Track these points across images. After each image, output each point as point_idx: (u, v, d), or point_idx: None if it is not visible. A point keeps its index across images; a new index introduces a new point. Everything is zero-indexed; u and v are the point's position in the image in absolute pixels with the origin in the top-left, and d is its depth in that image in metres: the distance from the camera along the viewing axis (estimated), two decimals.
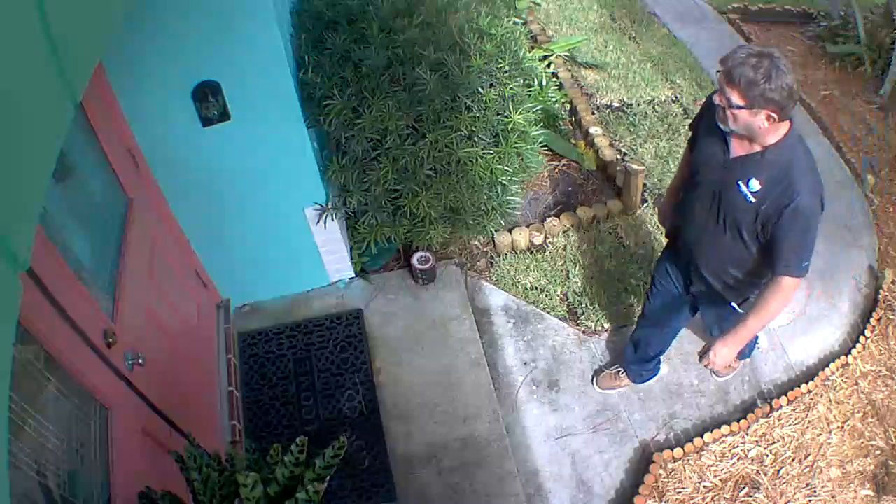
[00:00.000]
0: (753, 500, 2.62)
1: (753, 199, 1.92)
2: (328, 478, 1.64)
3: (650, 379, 2.93)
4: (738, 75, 1.74)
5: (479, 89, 2.57)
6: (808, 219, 1.88)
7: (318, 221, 2.83)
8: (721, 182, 2.00)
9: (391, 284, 3.26)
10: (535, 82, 3.67)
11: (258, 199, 2.70)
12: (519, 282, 3.29)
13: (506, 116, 2.67)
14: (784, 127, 1.85)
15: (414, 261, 3.15)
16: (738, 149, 1.94)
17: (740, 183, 1.93)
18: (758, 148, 1.89)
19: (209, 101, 2.27)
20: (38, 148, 0.87)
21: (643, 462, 2.73)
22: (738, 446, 2.75)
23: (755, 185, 1.91)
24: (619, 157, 3.85)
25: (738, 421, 2.81)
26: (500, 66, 2.66)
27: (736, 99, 1.77)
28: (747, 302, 2.23)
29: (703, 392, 2.96)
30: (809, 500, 2.63)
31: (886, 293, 3.28)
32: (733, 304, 2.27)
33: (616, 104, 4.29)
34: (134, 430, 1.82)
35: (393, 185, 2.62)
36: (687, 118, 4.17)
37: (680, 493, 2.62)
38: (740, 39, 5.08)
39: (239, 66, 2.22)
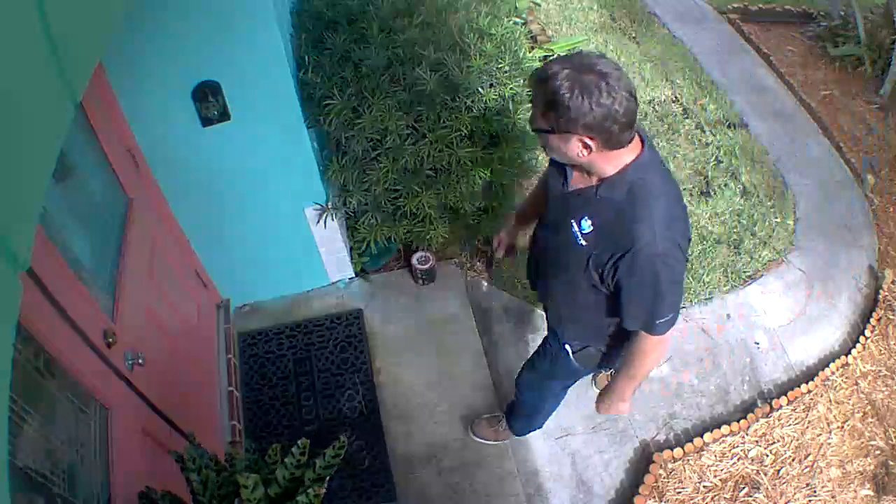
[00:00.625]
0: (753, 500, 2.62)
1: (584, 243, 1.60)
2: (328, 478, 1.64)
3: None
4: (540, 92, 1.41)
5: (479, 89, 2.57)
6: (654, 272, 1.51)
7: (318, 221, 2.83)
8: (557, 219, 1.69)
9: (391, 284, 3.26)
10: None
11: (258, 199, 2.70)
12: (519, 282, 3.29)
13: (506, 116, 2.67)
14: (624, 155, 1.49)
15: (414, 261, 3.15)
16: (576, 180, 1.62)
17: (573, 222, 1.61)
18: (594, 181, 1.56)
19: (209, 101, 2.27)
20: (38, 148, 0.87)
21: (643, 462, 2.73)
22: (738, 446, 2.75)
23: (587, 225, 1.58)
24: None
25: (738, 421, 2.81)
26: (500, 66, 2.66)
27: (539, 121, 1.46)
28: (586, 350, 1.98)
29: (703, 392, 2.96)
30: (809, 500, 2.63)
31: (886, 293, 3.28)
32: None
33: None
34: (134, 430, 1.82)
35: (393, 185, 2.62)
36: (687, 118, 4.18)
37: (680, 493, 2.62)
38: (740, 39, 5.08)
39: (239, 66, 2.22)
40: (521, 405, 2.48)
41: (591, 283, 1.65)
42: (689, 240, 1.67)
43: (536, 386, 2.33)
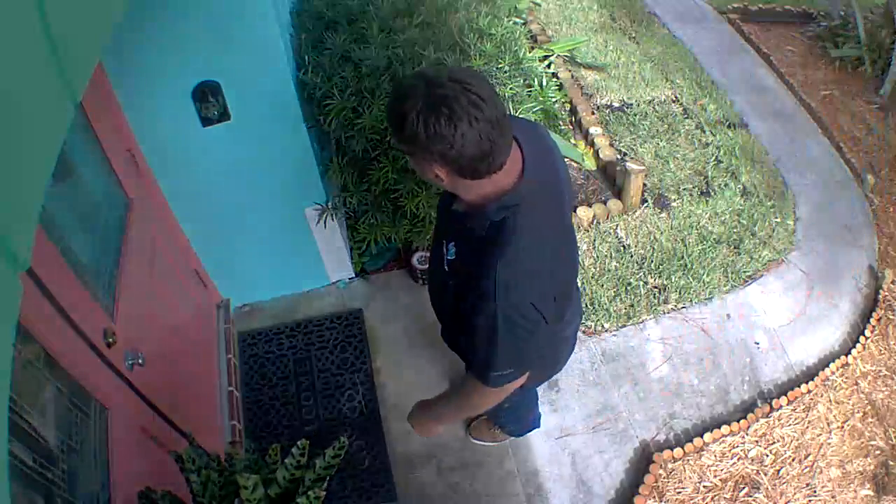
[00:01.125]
0: (753, 500, 2.62)
1: (447, 269, 1.45)
2: (328, 478, 1.64)
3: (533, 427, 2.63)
4: (390, 110, 1.21)
5: None
6: (492, 326, 1.32)
7: (318, 221, 2.83)
8: (438, 234, 1.56)
9: (391, 284, 3.26)
10: (535, 82, 3.67)
11: (258, 199, 2.70)
12: None
13: None
14: (487, 186, 1.28)
15: (414, 261, 3.15)
16: (460, 200, 1.40)
17: (444, 242, 1.46)
18: (465, 206, 1.37)
19: (209, 101, 2.27)
20: (38, 148, 0.87)
21: (643, 462, 2.73)
22: (738, 446, 2.75)
23: (452, 251, 1.43)
24: (618, 157, 3.85)
25: (738, 421, 2.81)
26: (500, 66, 2.66)
27: (394, 138, 1.28)
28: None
29: (703, 392, 2.96)
30: (809, 500, 2.63)
31: (886, 293, 3.28)
32: None
33: (616, 104, 4.29)
34: (134, 430, 1.82)
35: (393, 184, 2.62)
36: (687, 118, 4.18)
37: (680, 493, 2.62)
38: (740, 39, 5.08)
39: (239, 66, 2.22)
40: (498, 411, 2.32)
41: (455, 309, 1.49)
42: (565, 293, 1.49)
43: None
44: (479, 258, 1.31)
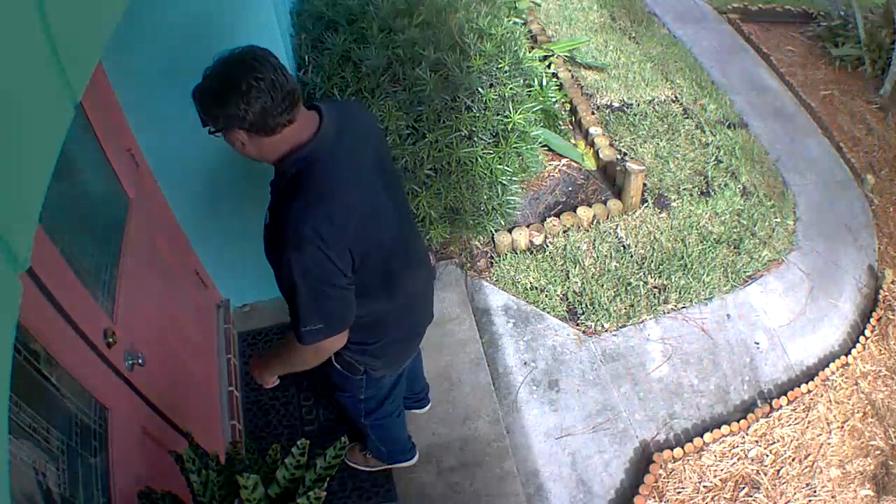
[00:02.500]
0: (753, 500, 2.62)
1: (264, 235, 1.54)
2: (329, 479, 1.64)
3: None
4: (197, 99, 1.42)
5: (479, 89, 2.57)
6: (289, 274, 1.41)
7: None
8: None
9: None
10: (535, 82, 3.68)
11: (258, 198, 2.69)
12: (519, 282, 3.29)
13: (506, 116, 2.67)
14: (281, 144, 1.44)
15: None
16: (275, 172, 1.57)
17: (267, 211, 1.56)
18: (275, 172, 1.54)
19: None
20: (38, 148, 0.87)
21: (643, 462, 2.73)
22: (738, 446, 2.75)
23: (267, 217, 1.54)
24: (618, 157, 3.85)
25: (738, 421, 2.81)
26: (500, 66, 2.66)
27: (208, 127, 1.45)
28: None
29: (703, 392, 2.96)
30: (809, 500, 2.63)
31: (886, 293, 3.28)
32: None
33: (616, 104, 4.29)
34: (134, 430, 1.82)
35: None
36: (687, 118, 4.18)
37: (680, 493, 2.62)
38: (740, 39, 5.09)
39: None
40: (368, 437, 2.32)
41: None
42: (382, 259, 1.55)
43: (351, 411, 2.16)
44: (278, 212, 1.45)
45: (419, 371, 2.59)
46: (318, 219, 1.40)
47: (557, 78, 4.34)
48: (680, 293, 3.24)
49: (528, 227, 3.47)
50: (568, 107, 4.22)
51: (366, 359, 1.83)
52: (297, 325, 1.50)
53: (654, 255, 3.38)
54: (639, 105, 4.26)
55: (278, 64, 1.38)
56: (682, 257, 3.37)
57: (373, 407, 2.11)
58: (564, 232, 3.49)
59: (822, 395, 2.92)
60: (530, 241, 3.44)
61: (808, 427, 2.82)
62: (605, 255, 3.39)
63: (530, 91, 3.34)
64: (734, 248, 3.45)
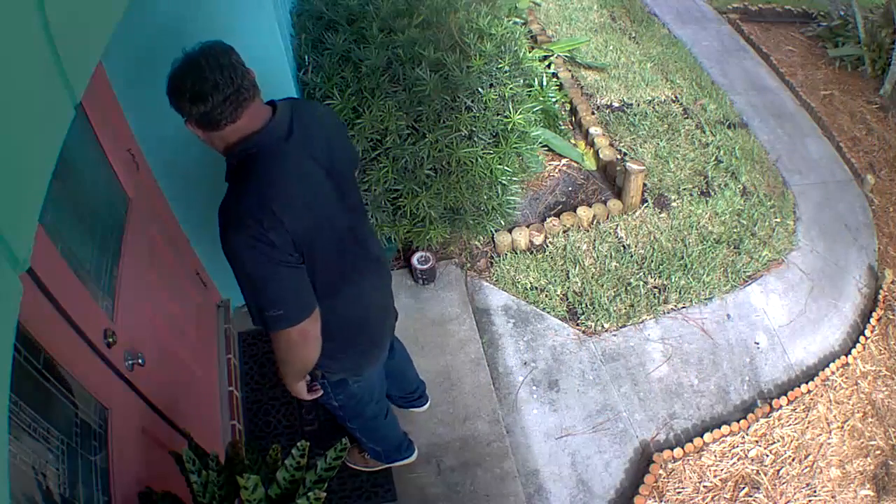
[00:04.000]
0: (753, 500, 2.62)
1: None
2: (329, 479, 1.64)
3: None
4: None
5: (479, 89, 2.57)
6: (236, 256, 1.45)
7: None
8: None
9: None
10: (535, 82, 3.68)
11: None
12: (519, 282, 3.29)
13: (506, 116, 2.67)
14: (229, 135, 1.49)
15: (414, 261, 3.15)
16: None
17: None
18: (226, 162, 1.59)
19: None
20: (38, 148, 0.87)
21: (643, 462, 2.73)
22: (738, 446, 2.75)
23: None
24: (619, 157, 3.85)
25: (738, 421, 2.81)
26: (500, 66, 2.66)
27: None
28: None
29: (703, 392, 2.96)
30: (809, 500, 2.63)
31: (886, 293, 3.28)
32: None
33: (616, 104, 4.29)
34: (134, 430, 1.82)
35: (393, 185, 2.62)
36: (687, 118, 4.18)
37: (680, 493, 2.62)
38: (740, 39, 5.09)
39: None
40: (359, 439, 2.31)
41: None
42: (320, 237, 1.55)
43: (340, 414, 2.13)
44: (223, 201, 1.49)
45: (409, 373, 2.57)
46: (257, 204, 1.44)
47: (557, 78, 4.34)
48: (680, 293, 3.24)
49: (528, 227, 3.47)
50: (568, 107, 4.22)
51: (324, 359, 1.79)
52: (258, 313, 1.53)
53: (654, 255, 3.38)
54: (639, 105, 4.26)
55: (230, 63, 1.44)
56: (682, 257, 3.37)
57: (352, 413, 2.10)
58: (564, 232, 3.49)
59: (822, 395, 2.92)
60: (530, 241, 3.44)
61: (808, 427, 2.82)
62: (605, 255, 3.39)
63: (530, 91, 3.34)
64: (734, 248, 3.45)
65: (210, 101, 1.42)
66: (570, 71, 4.49)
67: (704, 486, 2.65)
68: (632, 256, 3.39)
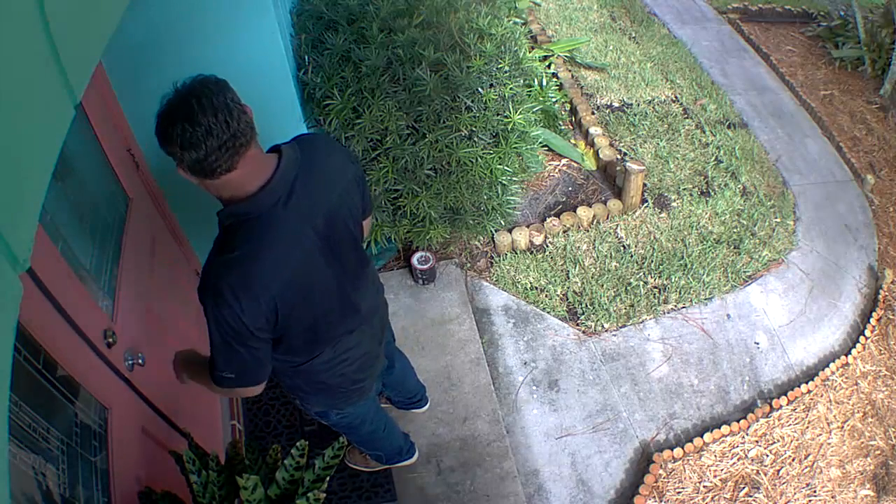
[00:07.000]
0: (753, 500, 2.62)
1: None
2: (328, 479, 1.64)
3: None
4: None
5: (479, 89, 2.57)
6: (205, 311, 1.41)
7: None
8: None
9: (391, 284, 3.25)
10: (535, 82, 3.68)
11: None
12: (519, 282, 3.29)
13: (506, 116, 2.67)
14: (222, 189, 1.39)
15: (414, 261, 3.15)
16: None
17: None
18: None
19: None
20: (38, 148, 0.87)
21: (643, 462, 2.73)
22: (738, 446, 2.75)
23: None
24: (619, 157, 3.85)
25: (738, 421, 2.81)
26: (500, 66, 2.66)
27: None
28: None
29: (703, 392, 2.96)
30: (809, 500, 2.63)
31: (886, 293, 3.28)
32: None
33: (616, 104, 4.29)
34: (134, 430, 1.82)
35: (393, 185, 2.62)
36: (687, 118, 4.18)
37: (680, 493, 2.62)
38: (740, 39, 5.09)
39: (239, 66, 2.21)
40: (350, 438, 2.24)
41: None
42: (312, 327, 1.50)
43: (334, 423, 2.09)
44: (209, 256, 1.40)
45: (410, 381, 2.57)
46: (238, 280, 1.35)
47: (557, 78, 4.34)
48: (680, 293, 3.24)
49: (528, 227, 3.47)
50: (568, 107, 4.22)
51: (299, 393, 1.80)
52: (212, 366, 1.49)
53: (654, 255, 3.38)
54: (639, 105, 4.26)
55: (224, 104, 1.29)
56: (682, 257, 3.37)
57: (346, 431, 2.09)
58: (564, 232, 3.49)
59: (822, 395, 2.92)
60: (530, 241, 3.44)
61: (808, 427, 2.82)
62: (605, 255, 3.39)
63: (530, 91, 3.34)
64: (734, 248, 3.45)
65: (203, 148, 1.30)
66: (570, 71, 4.49)
67: (704, 486, 2.65)
68: (632, 256, 3.39)
